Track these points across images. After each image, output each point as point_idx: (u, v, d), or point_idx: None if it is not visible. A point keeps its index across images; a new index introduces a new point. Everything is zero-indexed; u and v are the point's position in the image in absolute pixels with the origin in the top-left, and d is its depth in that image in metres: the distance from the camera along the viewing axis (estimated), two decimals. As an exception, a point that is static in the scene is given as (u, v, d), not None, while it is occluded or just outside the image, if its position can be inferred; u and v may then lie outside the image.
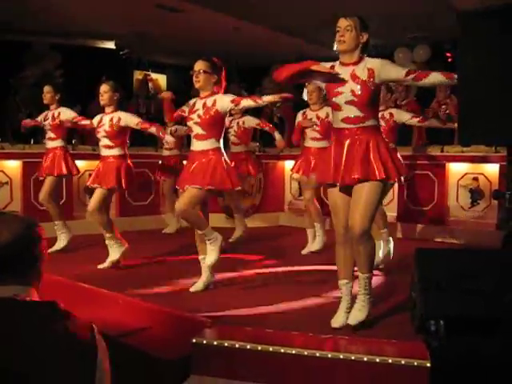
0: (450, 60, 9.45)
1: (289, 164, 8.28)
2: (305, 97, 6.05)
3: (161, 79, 12.15)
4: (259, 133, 8.78)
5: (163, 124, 7.65)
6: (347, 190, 3.46)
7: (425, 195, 7.06)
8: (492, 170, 6.72)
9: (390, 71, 3.41)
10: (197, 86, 4.36)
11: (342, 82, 3.41)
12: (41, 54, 9.74)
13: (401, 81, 3.53)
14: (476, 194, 6.88)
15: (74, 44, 9.81)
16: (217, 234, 4.45)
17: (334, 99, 3.47)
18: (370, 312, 3.53)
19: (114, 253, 5.22)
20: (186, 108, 4.54)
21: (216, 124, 4.36)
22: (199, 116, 4.35)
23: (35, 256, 1.64)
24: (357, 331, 3.43)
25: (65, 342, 1.49)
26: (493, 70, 4.79)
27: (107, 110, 5.22)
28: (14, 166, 7.04)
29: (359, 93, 3.37)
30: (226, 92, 4.45)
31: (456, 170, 7.01)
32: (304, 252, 6.01)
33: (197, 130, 4.38)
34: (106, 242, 5.25)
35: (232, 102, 4.30)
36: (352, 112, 3.40)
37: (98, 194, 5.17)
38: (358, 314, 3.50)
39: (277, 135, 6.45)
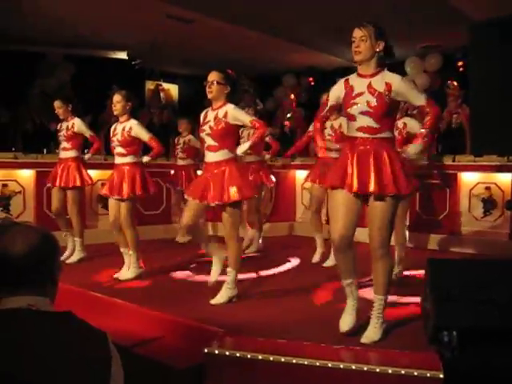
0: (461, 69, 9.43)
1: (300, 174, 8.30)
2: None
3: (172, 89, 12.21)
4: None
5: (177, 133, 7.73)
6: (353, 199, 3.46)
7: (437, 205, 7.03)
8: (505, 179, 6.68)
9: (406, 93, 3.41)
10: (209, 96, 4.36)
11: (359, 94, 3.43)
12: (54, 64, 9.83)
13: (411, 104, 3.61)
14: (488, 204, 6.84)
15: (87, 54, 9.89)
16: (219, 256, 4.48)
17: (348, 110, 3.48)
18: (383, 332, 3.52)
19: (131, 273, 5.21)
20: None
21: (228, 135, 4.34)
22: (211, 127, 4.34)
23: (50, 267, 1.66)
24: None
25: (79, 352, 1.50)
26: (505, 80, 4.79)
27: (121, 119, 5.25)
28: (27, 176, 7.09)
29: (375, 104, 3.37)
30: (239, 102, 4.48)
31: (468, 179, 6.98)
32: (314, 260, 5.99)
33: (209, 141, 4.37)
34: (125, 258, 5.29)
35: (252, 124, 4.31)
36: (367, 122, 3.40)
37: (123, 207, 5.17)
38: (373, 335, 3.47)
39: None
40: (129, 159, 5.22)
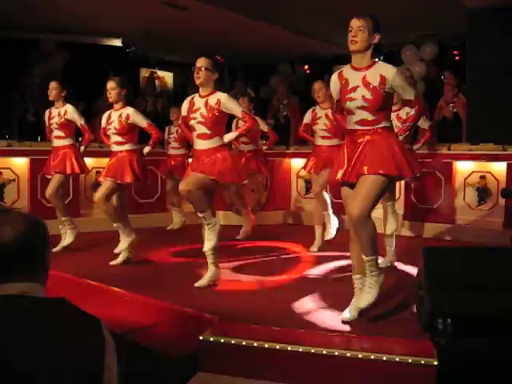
0: (457, 58, 9.42)
1: (295, 162, 8.29)
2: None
3: (167, 77, 12.15)
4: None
5: (169, 122, 7.70)
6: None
7: (432, 194, 7.04)
8: (499, 168, 6.69)
9: (398, 86, 3.46)
10: (197, 82, 4.33)
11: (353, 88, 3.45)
12: (48, 51, 9.76)
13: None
14: (483, 193, 6.85)
15: (81, 42, 9.82)
16: (216, 220, 4.44)
17: (346, 104, 3.51)
18: (379, 292, 3.54)
19: (124, 242, 5.25)
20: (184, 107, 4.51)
21: (220, 122, 4.36)
22: (202, 115, 4.31)
23: (41, 252, 1.64)
24: (370, 320, 3.48)
25: (73, 338, 1.49)
26: (502, 68, 4.79)
27: (116, 106, 5.21)
28: (21, 164, 7.06)
29: (370, 98, 3.40)
30: (230, 89, 4.46)
31: (463, 168, 6.98)
32: (312, 249, 5.99)
33: (200, 129, 4.34)
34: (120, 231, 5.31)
35: (242, 116, 4.32)
36: (364, 116, 3.44)
37: (105, 185, 5.16)
38: (367, 297, 3.52)
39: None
40: (127, 147, 5.21)
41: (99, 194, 5.15)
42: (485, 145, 6.68)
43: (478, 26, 6.67)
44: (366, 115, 3.43)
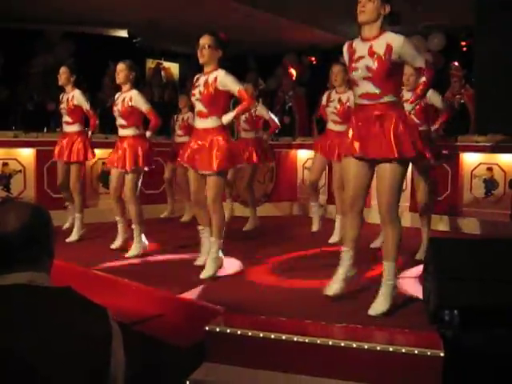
0: (464, 49, 9.35)
1: (301, 153, 8.26)
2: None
3: (173, 68, 12.12)
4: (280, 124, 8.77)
5: (177, 111, 7.68)
6: (360, 164, 3.50)
7: (438, 185, 7.00)
8: (506, 160, 6.65)
9: (406, 54, 3.37)
10: (201, 61, 4.29)
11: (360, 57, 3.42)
12: (53, 42, 9.75)
13: (411, 67, 3.62)
14: (490, 185, 6.82)
15: (87, 32, 9.80)
16: (220, 253, 4.45)
17: (351, 75, 3.49)
18: (391, 303, 3.53)
19: (134, 249, 5.23)
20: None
21: (217, 101, 4.27)
22: (200, 92, 4.29)
23: (45, 241, 1.64)
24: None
25: (79, 327, 1.49)
26: (510, 60, 4.75)
27: (124, 88, 5.23)
28: (27, 154, 7.05)
29: (374, 68, 3.34)
30: (242, 80, 4.43)
31: (470, 160, 6.94)
32: (332, 241, 5.91)
33: (199, 106, 4.32)
34: (119, 227, 5.35)
35: (239, 93, 4.24)
36: (368, 88, 3.38)
37: (127, 180, 5.18)
38: (379, 306, 3.49)
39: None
40: (131, 131, 5.21)
41: (127, 192, 5.20)
42: (492, 136, 6.64)
43: (486, 16, 6.62)
44: (370, 87, 3.37)
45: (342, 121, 5.62)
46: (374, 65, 3.34)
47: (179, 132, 7.53)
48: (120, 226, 5.39)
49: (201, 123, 4.34)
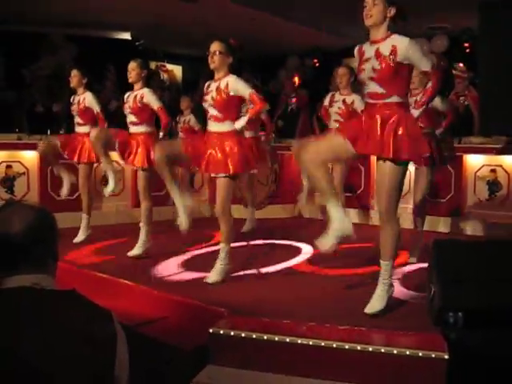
0: (467, 51, 9.34)
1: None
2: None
3: (176, 70, 12.14)
4: (274, 124, 8.78)
5: (178, 113, 7.68)
6: (346, 145, 3.47)
7: (442, 187, 6.99)
8: (510, 161, 6.64)
9: (412, 56, 3.38)
10: (212, 67, 4.31)
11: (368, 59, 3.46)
12: (56, 45, 9.76)
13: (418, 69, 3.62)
14: (493, 186, 6.81)
15: (90, 35, 9.82)
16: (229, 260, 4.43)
17: (359, 76, 3.56)
18: (387, 302, 3.54)
19: (138, 248, 5.25)
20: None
21: (231, 106, 4.30)
22: (213, 98, 4.31)
23: (50, 243, 1.64)
24: (373, 318, 3.45)
25: (84, 330, 1.49)
26: (513, 60, 4.71)
27: (135, 87, 5.26)
28: (31, 157, 7.06)
29: (379, 68, 3.39)
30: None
31: (473, 161, 6.94)
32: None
33: (212, 111, 4.33)
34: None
35: (250, 97, 4.25)
36: (374, 88, 3.44)
37: (140, 177, 5.24)
38: (376, 304, 3.52)
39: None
40: (143, 129, 5.23)
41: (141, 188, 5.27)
42: (496, 138, 6.63)
43: (489, 18, 6.61)
44: (375, 87, 3.43)
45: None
46: (379, 66, 3.38)
47: (181, 134, 7.53)
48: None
49: (215, 127, 4.34)
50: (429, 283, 3.58)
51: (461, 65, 8.26)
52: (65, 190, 6.03)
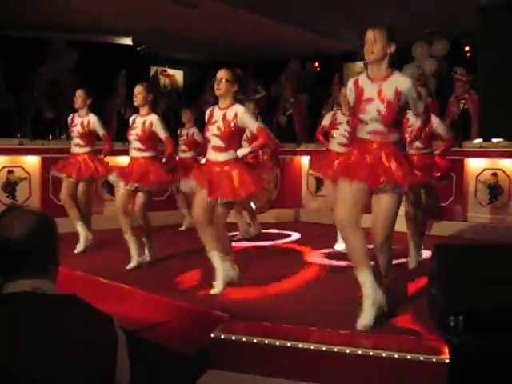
0: (468, 54, 9.35)
1: (306, 159, 8.26)
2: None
3: (178, 75, 12.15)
4: (275, 130, 8.77)
5: (181, 124, 7.63)
6: (359, 187, 3.49)
7: (443, 191, 7.00)
8: (511, 165, 6.65)
9: (410, 98, 3.51)
10: (217, 93, 4.32)
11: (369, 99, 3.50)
12: (58, 50, 9.78)
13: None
14: (495, 190, 6.81)
15: (91, 40, 9.84)
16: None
17: (359, 115, 3.55)
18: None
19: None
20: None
21: (235, 136, 4.31)
22: (219, 128, 4.26)
23: (51, 248, 1.64)
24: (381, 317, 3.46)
25: (84, 335, 1.49)
26: (512, 64, 4.72)
27: (142, 111, 5.19)
28: (32, 162, 7.09)
29: (385, 113, 3.45)
30: (241, 91, 4.46)
31: (474, 165, 6.94)
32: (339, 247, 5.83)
33: (215, 141, 4.29)
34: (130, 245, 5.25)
35: (258, 132, 4.27)
36: (377, 127, 3.49)
37: (140, 197, 5.16)
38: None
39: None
40: (146, 154, 5.17)
41: (137, 207, 5.18)
42: (497, 141, 6.64)
43: (489, 22, 6.62)
44: (379, 126, 3.48)
45: (349, 143, 5.60)
46: (384, 110, 3.44)
47: (183, 147, 7.38)
48: (130, 244, 5.25)
49: (216, 156, 4.31)
50: (430, 287, 3.58)
51: (461, 68, 8.25)
52: (81, 247, 5.89)
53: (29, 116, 9.54)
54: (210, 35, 9.30)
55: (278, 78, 11.04)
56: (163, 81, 11.73)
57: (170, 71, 11.85)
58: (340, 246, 5.73)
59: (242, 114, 4.24)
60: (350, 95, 3.67)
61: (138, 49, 10.35)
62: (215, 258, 4.32)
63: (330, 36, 9.54)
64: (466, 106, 7.84)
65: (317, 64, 11.13)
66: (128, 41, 10.23)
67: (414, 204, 5.13)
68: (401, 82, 3.46)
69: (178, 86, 12.11)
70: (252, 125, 4.30)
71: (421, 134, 4.32)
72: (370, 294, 3.43)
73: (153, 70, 11.59)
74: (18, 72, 9.13)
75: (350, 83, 3.65)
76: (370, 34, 3.49)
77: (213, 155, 4.34)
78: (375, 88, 3.49)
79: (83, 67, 9.54)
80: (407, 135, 4.84)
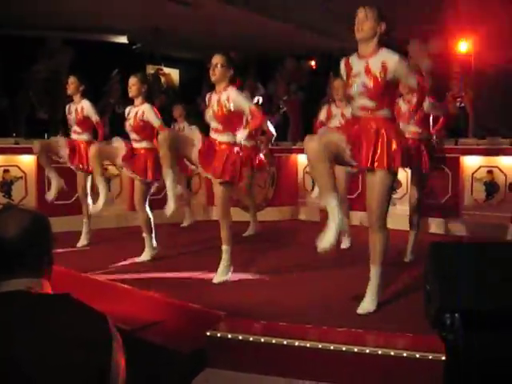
0: (464, 53, 9.35)
1: (302, 157, 8.26)
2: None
3: (173, 73, 12.14)
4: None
5: (173, 120, 7.66)
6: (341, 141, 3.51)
7: (439, 188, 7.01)
8: (507, 162, 6.65)
9: (400, 73, 3.50)
10: (213, 79, 4.40)
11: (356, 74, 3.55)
12: (53, 49, 9.76)
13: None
14: (491, 188, 6.82)
15: (87, 39, 9.83)
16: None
17: (348, 91, 3.65)
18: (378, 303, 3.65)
19: (146, 255, 5.32)
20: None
21: (232, 118, 4.38)
22: (214, 111, 4.41)
23: (45, 247, 1.65)
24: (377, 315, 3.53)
25: (79, 334, 1.49)
26: (510, 63, 4.76)
27: (136, 102, 5.26)
28: (28, 161, 7.06)
29: (370, 86, 3.49)
30: (241, 87, 4.49)
31: (470, 163, 6.95)
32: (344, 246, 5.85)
33: (213, 124, 4.45)
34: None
35: (251, 111, 4.29)
36: (365, 102, 3.53)
37: (137, 188, 5.29)
38: (368, 306, 3.62)
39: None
40: (144, 144, 5.25)
41: (136, 200, 5.31)
42: (492, 139, 6.64)
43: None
44: (366, 101, 3.52)
45: None
46: (370, 83, 3.48)
47: None
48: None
49: (215, 136, 4.46)
50: (425, 285, 3.58)
51: (456, 66, 8.28)
52: (52, 194, 5.99)
53: (23, 116, 9.54)
54: (205, 33, 9.30)
55: (274, 76, 11.06)
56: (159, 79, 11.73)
57: (166, 70, 11.84)
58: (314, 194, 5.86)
59: (235, 97, 4.33)
60: (343, 74, 3.72)
61: (134, 47, 10.35)
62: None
63: (326, 33, 9.54)
64: (462, 104, 7.86)
65: (313, 62, 11.14)
66: (124, 39, 10.23)
67: (415, 184, 5.25)
68: (388, 57, 3.47)
69: (174, 84, 12.11)
70: (245, 105, 4.34)
71: (417, 110, 4.32)
72: (335, 215, 3.41)
73: (153, 68, 11.58)
74: (13, 72, 9.12)
75: (342, 63, 3.70)
76: (361, 12, 3.53)
77: (213, 134, 4.48)
78: (362, 64, 3.54)
79: (78, 66, 9.52)
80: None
